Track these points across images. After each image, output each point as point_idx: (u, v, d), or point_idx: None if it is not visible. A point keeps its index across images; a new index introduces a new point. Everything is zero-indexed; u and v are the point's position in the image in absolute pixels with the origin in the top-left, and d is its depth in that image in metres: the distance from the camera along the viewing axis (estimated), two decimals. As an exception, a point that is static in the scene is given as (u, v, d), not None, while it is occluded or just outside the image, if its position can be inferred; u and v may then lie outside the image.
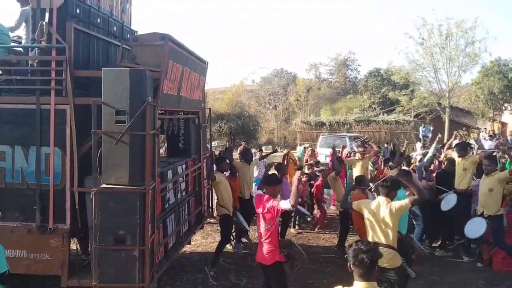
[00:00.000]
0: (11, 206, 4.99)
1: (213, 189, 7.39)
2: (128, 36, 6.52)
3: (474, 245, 7.01)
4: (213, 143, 20.89)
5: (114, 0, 6.15)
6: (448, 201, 6.88)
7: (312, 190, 9.87)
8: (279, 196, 5.47)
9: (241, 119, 30.58)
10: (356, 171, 8.81)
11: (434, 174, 8.27)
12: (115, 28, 6.18)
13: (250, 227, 7.81)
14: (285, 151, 10.93)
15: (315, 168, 10.67)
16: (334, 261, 7.11)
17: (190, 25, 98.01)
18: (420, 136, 22.96)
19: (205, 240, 8.39)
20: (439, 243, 7.56)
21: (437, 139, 10.15)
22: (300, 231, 9.25)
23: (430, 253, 7.23)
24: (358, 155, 9.51)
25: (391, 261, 4.29)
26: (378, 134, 24.11)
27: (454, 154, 7.56)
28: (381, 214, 4.40)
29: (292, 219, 9.11)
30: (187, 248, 7.55)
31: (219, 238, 7.15)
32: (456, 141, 11.14)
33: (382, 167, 9.39)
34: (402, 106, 27.89)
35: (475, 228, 6.20)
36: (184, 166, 6.57)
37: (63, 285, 4.97)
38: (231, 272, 6.74)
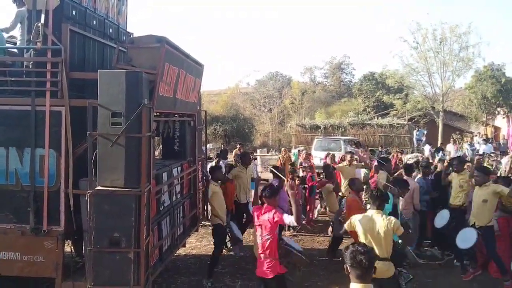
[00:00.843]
0: (4, 208, 4.96)
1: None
2: (124, 38, 6.53)
3: (467, 262, 6.81)
4: (208, 145, 20.92)
5: (110, 2, 6.15)
6: (442, 217, 6.82)
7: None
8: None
9: (236, 121, 30.60)
10: (345, 178, 9.03)
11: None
12: (111, 30, 6.18)
13: (244, 235, 7.72)
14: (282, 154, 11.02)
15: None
16: (328, 264, 7.13)
17: (185, 27, 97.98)
18: (414, 140, 23.12)
19: (199, 242, 8.38)
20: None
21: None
22: (295, 234, 9.27)
23: (422, 253, 7.34)
24: (346, 162, 9.67)
25: (386, 272, 4.29)
26: (373, 138, 24.21)
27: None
28: (377, 228, 4.38)
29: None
30: (181, 251, 7.55)
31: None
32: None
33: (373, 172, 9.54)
34: (396, 110, 28.06)
35: (466, 238, 6.15)
36: (179, 168, 6.57)
37: (57, 287, 4.95)
38: (226, 275, 6.74)
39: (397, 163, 10.76)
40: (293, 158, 13.97)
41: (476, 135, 21.60)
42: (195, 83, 6.69)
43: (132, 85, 4.48)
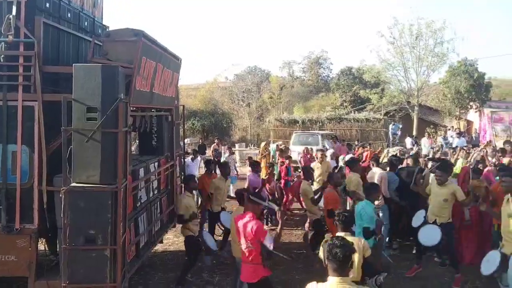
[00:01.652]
0: (-25, 206, 4.81)
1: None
2: (100, 31, 6.40)
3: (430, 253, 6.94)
4: (185, 140, 20.77)
5: (85, -6, 6.02)
6: (418, 218, 6.67)
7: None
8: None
9: (214, 116, 30.51)
10: (317, 174, 9.30)
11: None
12: (86, 23, 6.05)
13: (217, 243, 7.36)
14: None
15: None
16: (306, 257, 7.21)
17: (163, 20, 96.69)
18: (390, 134, 23.52)
19: (177, 238, 8.33)
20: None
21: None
22: (273, 227, 9.32)
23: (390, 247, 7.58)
24: (317, 160, 9.82)
25: None
26: (350, 132, 24.52)
27: None
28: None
29: (265, 216, 9.18)
30: (159, 247, 7.49)
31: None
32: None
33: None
34: (373, 105, 28.47)
35: (429, 235, 6.11)
36: (156, 164, 6.50)
37: (30, 286, 4.85)
38: (204, 270, 6.74)
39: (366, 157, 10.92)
40: (271, 153, 14.02)
41: (449, 129, 22.16)
42: (173, 77, 6.62)
43: (108, 80, 4.41)
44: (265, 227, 9.10)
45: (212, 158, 10.78)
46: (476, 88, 25.41)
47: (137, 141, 8.06)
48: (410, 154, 9.22)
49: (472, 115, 25.59)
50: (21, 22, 4.70)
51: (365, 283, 4.47)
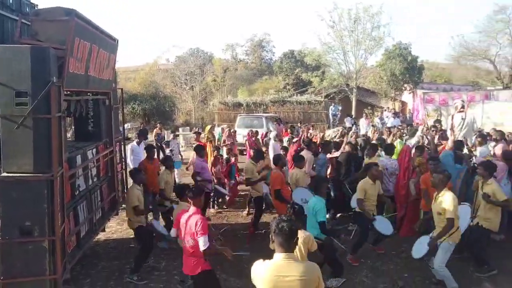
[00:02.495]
0: None
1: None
2: (28, 9, 5.96)
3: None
4: (126, 125, 20.07)
5: (8, -32, 5.55)
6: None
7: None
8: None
9: (155, 100, 29.62)
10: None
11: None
12: (11, 1, 5.60)
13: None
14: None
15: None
16: (253, 238, 7.33)
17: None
18: (330, 116, 24.28)
19: (120, 226, 8.13)
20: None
21: None
22: (220, 210, 9.38)
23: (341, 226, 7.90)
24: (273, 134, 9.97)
25: None
26: (292, 114, 24.97)
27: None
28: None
29: (211, 200, 9.20)
30: (101, 236, 7.29)
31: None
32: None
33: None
34: (314, 87, 29.13)
35: (384, 226, 6.44)
36: (94, 150, 6.27)
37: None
38: (150, 256, 6.64)
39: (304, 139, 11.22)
40: (217, 137, 13.97)
41: (385, 110, 23.24)
42: (109, 59, 6.34)
43: (38, 62, 4.18)
44: (212, 210, 9.18)
45: (154, 143, 10.54)
46: (409, 71, 26.81)
47: (73, 127, 7.68)
48: (349, 140, 9.57)
49: (406, 96, 26.95)
50: None
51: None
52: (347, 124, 19.01)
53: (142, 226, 6.19)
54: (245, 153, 13.61)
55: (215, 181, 9.12)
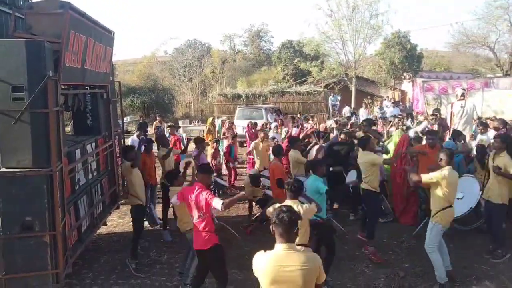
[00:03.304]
0: None
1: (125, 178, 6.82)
2: (21, 3, 5.88)
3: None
4: (125, 118, 20.02)
5: (1, -39, 5.47)
6: (351, 176, 7.28)
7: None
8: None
9: (154, 92, 29.46)
10: (258, 154, 9.47)
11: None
12: (4, -6, 5.53)
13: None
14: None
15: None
16: (255, 229, 7.34)
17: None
18: (330, 106, 24.20)
19: (122, 220, 8.13)
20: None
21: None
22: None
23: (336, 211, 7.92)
24: (259, 139, 9.90)
25: None
26: (292, 105, 24.88)
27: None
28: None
29: (212, 192, 9.19)
30: (103, 230, 7.29)
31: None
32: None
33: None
34: (313, 77, 29.01)
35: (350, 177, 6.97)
36: (93, 144, 6.25)
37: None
38: (152, 249, 6.66)
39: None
40: (217, 128, 13.94)
41: (385, 99, 23.19)
42: (106, 52, 6.28)
43: (33, 56, 4.14)
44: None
45: (154, 137, 10.50)
46: (409, 59, 26.70)
47: (72, 121, 7.64)
48: (344, 130, 9.54)
49: (406, 85, 26.78)
50: None
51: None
52: (347, 113, 18.99)
53: (141, 205, 6.25)
54: (245, 145, 13.58)
55: (215, 173, 9.12)
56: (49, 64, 4.26)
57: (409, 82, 25.30)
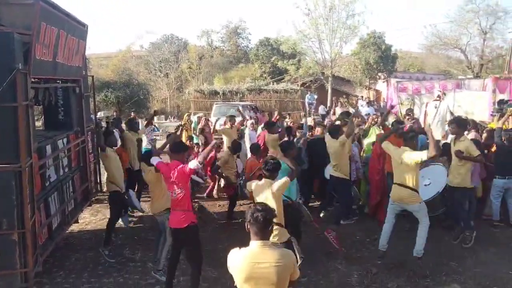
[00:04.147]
0: None
1: (102, 163, 6.86)
2: (-11, -8, 5.66)
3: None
4: (98, 113, 19.59)
5: None
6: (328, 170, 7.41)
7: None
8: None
9: (129, 87, 28.87)
10: (229, 139, 9.58)
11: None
12: (-29, -18, 5.31)
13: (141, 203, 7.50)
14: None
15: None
16: (229, 227, 7.33)
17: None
18: (306, 104, 24.40)
19: (94, 217, 7.97)
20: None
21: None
22: (196, 200, 9.31)
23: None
24: (227, 125, 9.98)
25: (278, 236, 4.58)
26: (269, 103, 24.94)
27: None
28: (265, 195, 4.67)
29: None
30: (75, 227, 7.13)
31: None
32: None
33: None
34: (290, 76, 29.18)
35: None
36: (65, 140, 6.10)
37: None
38: (125, 247, 6.56)
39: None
40: (193, 125, 13.82)
41: (360, 99, 23.55)
42: (79, 45, 6.13)
43: (2, 48, 4.03)
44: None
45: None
46: (383, 60, 27.19)
47: (43, 116, 7.45)
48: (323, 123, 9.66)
49: (381, 85, 27.33)
50: None
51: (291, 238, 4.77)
52: (321, 112, 19.19)
53: (119, 191, 6.21)
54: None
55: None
56: (18, 56, 4.13)
57: (383, 82, 25.80)
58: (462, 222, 6.48)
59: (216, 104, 19.59)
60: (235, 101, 22.54)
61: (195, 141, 12.03)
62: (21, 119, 4.11)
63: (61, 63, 5.48)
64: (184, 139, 10.59)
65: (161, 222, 5.51)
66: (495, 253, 6.24)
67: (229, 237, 6.81)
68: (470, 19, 28.52)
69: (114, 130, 8.93)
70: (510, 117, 9.19)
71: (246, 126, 12.33)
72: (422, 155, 5.21)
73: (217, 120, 12.01)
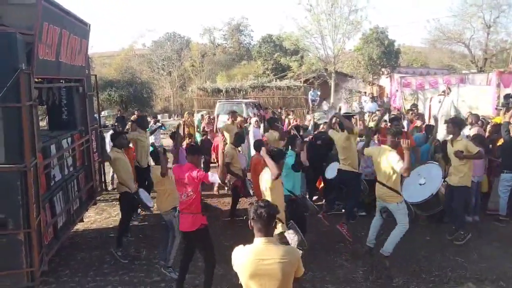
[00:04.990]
0: None
1: (106, 164, 6.91)
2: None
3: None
4: (102, 112, 19.67)
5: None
6: (332, 169, 7.38)
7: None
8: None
9: (132, 86, 28.96)
10: (230, 134, 9.40)
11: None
12: (-27, -17, 5.32)
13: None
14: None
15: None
16: (233, 225, 7.33)
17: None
18: (309, 101, 24.34)
19: (99, 216, 8.01)
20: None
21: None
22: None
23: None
24: (229, 121, 10.05)
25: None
26: (272, 100, 24.89)
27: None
28: (264, 186, 4.78)
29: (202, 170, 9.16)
30: (80, 226, 7.17)
31: (115, 213, 6.89)
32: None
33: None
34: (293, 72, 29.07)
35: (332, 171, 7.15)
36: (69, 139, 6.12)
37: None
38: (130, 246, 6.58)
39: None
40: (196, 123, 13.83)
41: (363, 94, 23.44)
42: (82, 45, 6.14)
43: (4, 48, 4.03)
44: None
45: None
46: (387, 55, 27.02)
47: (47, 116, 7.47)
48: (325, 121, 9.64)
49: (384, 80, 27.21)
50: None
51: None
52: (324, 108, 19.14)
53: (128, 192, 6.19)
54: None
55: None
56: (21, 56, 4.14)
57: (387, 77, 25.68)
58: (458, 222, 6.43)
59: (219, 101, 19.58)
60: (238, 99, 22.51)
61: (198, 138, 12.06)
62: (25, 119, 4.12)
63: (64, 63, 5.49)
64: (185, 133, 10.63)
65: (168, 220, 5.54)
66: (500, 247, 6.22)
67: (233, 234, 6.82)
68: (474, 13, 28.25)
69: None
70: None
71: (250, 123, 12.35)
72: (397, 167, 5.15)
73: (217, 116, 12.01)
